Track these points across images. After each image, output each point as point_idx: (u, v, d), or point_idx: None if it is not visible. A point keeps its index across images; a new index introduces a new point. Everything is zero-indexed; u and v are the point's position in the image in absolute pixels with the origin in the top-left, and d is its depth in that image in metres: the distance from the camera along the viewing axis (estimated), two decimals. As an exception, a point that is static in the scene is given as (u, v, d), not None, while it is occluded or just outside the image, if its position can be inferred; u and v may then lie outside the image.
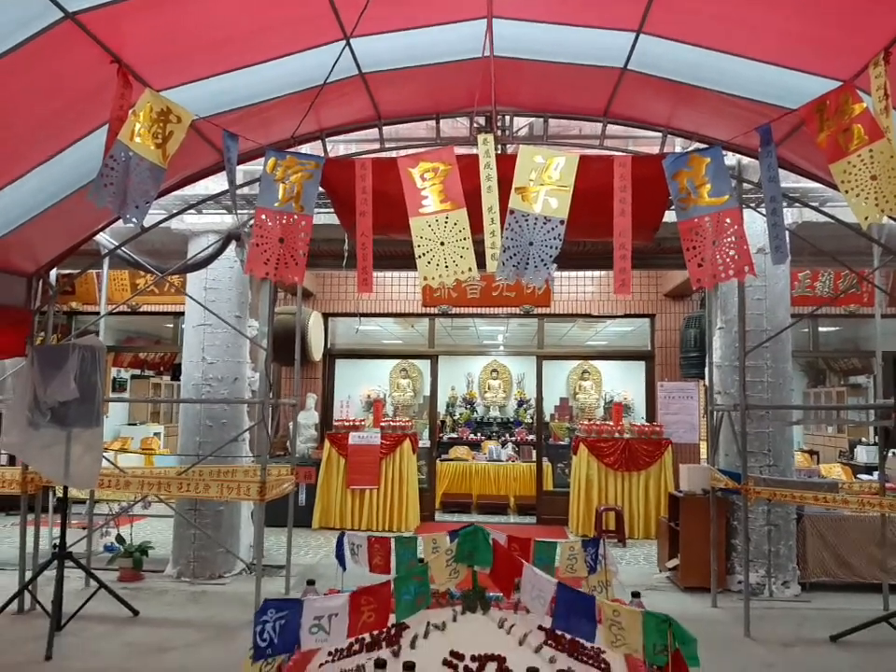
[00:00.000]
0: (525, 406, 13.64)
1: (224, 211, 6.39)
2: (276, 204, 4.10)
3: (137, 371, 13.37)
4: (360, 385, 12.64)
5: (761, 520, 6.26)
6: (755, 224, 6.35)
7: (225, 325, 6.43)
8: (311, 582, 2.39)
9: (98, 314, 6.86)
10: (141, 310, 9.69)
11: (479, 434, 12.82)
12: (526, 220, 3.93)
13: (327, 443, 8.89)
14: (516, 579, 2.21)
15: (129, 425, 13.16)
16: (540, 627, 2.23)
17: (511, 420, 13.61)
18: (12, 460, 8.14)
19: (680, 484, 6.91)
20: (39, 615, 5.41)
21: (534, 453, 10.97)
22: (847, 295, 9.15)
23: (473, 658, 1.99)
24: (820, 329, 10.29)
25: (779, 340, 6.43)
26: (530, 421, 12.94)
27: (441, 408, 13.32)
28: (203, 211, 6.40)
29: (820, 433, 13.52)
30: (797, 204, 6.14)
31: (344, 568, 2.65)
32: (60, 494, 5.53)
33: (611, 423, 9.10)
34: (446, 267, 3.94)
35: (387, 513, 8.65)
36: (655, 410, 9.59)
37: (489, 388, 14.23)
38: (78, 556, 5.60)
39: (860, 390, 12.95)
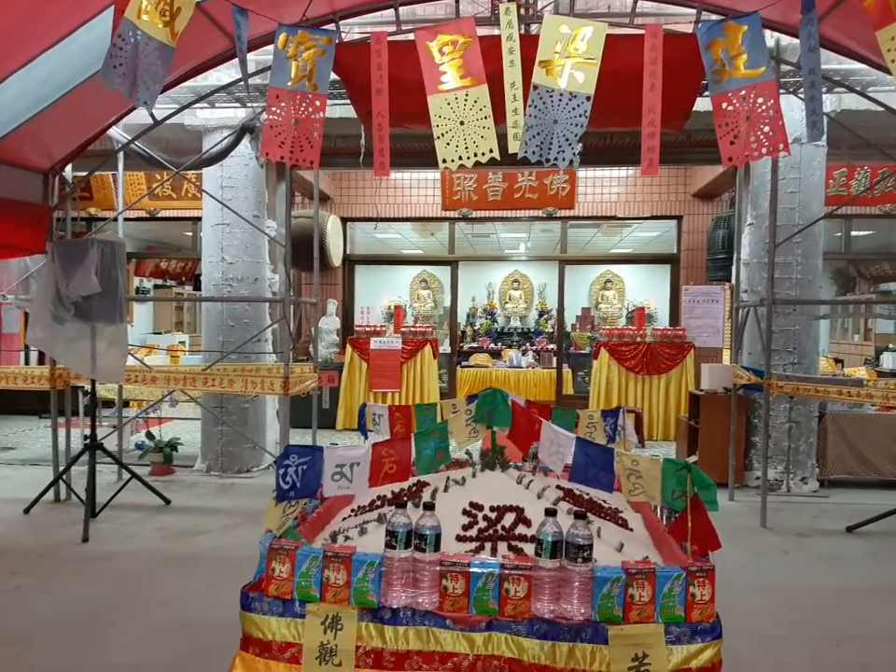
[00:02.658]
0: (545, 316, 13.56)
1: (238, 104, 6.21)
2: (289, 84, 3.94)
3: (159, 282, 13.43)
4: (380, 295, 12.61)
5: (782, 417, 6.25)
6: (792, 113, 6.05)
7: (243, 224, 6.37)
8: (334, 444, 2.41)
9: (117, 220, 6.82)
10: (159, 215, 9.62)
11: (499, 344, 12.84)
12: (551, 97, 3.74)
13: (349, 348, 8.94)
14: (534, 443, 2.20)
15: (154, 334, 13.37)
16: (559, 487, 2.23)
17: (532, 330, 13.56)
18: (42, 361, 8.33)
19: (701, 383, 6.88)
20: (74, 504, 5.64)
21: (554, 360, 10.99)
22: (883, 193, 8.81)
23: (492, 508, 2.00)
24: (853, 232, 9.98)
25: (811, 235, 6.24)
26: (551, 331, 12.89)
27: (462, 319, 13.30)
28: (217, 105, 6.22)
29: (846, 341, 13.36)
30: (837, 90, 5.81)
31: (366, 437, 2.66)
32: (88, 389, 5.62)
33: (634, 327, 9.02)
34: (466, 148, 3.79)
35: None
36: (679, 316, 9.49)
37: (510, 299, 14.12)
38: (113, 453, 5.78)
39: (889, 297, 12.68)
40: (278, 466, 1.74)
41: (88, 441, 5.40)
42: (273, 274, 7.12)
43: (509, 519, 1.97)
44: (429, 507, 1.68)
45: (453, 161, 3.83)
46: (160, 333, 13.58)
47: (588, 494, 2.31)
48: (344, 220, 9.67)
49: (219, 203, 6.04)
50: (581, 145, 3.80)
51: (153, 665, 3.12)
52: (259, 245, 6.76)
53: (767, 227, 6.28)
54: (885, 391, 5.19)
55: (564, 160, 3.81)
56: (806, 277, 6.28)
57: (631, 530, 2.08)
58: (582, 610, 1.62)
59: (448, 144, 3.82)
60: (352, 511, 2.23)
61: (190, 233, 10.78)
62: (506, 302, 14.00)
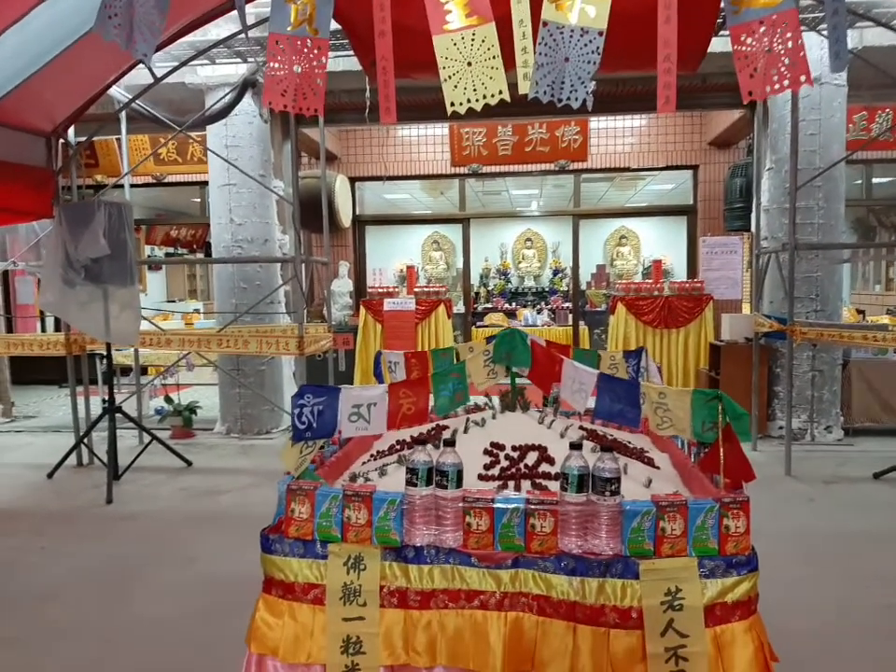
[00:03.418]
0: (560, 275, 13.40)
1: (238, 59, 6.07)
2: (289, 28, 3.76)
3: (170, 250, 13.39)
4: (392, 257, 12.49)
5: (805, 366, 6.14)
6: (811, 52, 5.81)
7: (250, 184, 6.29)
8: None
9: (123, 186, 6.75)
10: (166, 181, 9.53)
11: (514, 304, 12.72)
12: (561, 33, 3.56)
13: (362, 310, 8.87)
14: (555, 385, 2.14)
15: (168, 302, 13.38)
16: (582, 427, 2.18)
17: (546, 289, 13.41)
18: (58, 328, 8.35)
19: (722, 334, 6.78)
20: (97, 468, 5.68)
21: (570, 318, 10.89)
22: (906, 136, 8.53)
23: (514, 448, 1.95)
24: (874, 179, 9.71)
25: (832, 179, 6.06)
26: (566, 289, 12.74)
27: (475, 280, 13.17)
28: (217, 61, 6.09)
29: (867, 292, 13.13)
30: (859, 24, 5.57)
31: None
32: (104, 352, 5.62)
33: (650, 282, 8.88)
34: (474, 90, 3.62)
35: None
36: (696, 269, 9.34)
37: (523, 258, 13.95)
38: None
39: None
40: (293, 406, 1.69)
41: (106, 404, 5.41)
42: (283, 235, 7.05)
43: (531, 458, 1.92)
44: (450, 443, 1.63)
45: (461, 104, 3.68)
46: (173, 301, 13.59)
47: (612, 434, 2.26)
48: (353, 180, 9.52)
49: (225, 161, 5.94)
50: (594, 84, 3.65)
51: (179, 619, 3.13)
52: (267, 206, 6.67)
53: (787, 171, 6.10)
54: (911, 335, 5.07)
55: (577, 99, 3.64)
56: (829, 222, 6.11)
57: (658, 468, 2.02)
58: (611, 545, 1.57)
59: (456, 86, 3.66)
60: (371, 455, 2.18)
61: (198, 199, 10.70)
62: (519, 262, 13.84)
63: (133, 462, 5.52)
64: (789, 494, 4.75)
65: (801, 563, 3.57)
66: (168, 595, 3.39)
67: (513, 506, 1.58)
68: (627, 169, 9.19)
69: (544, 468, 1.87)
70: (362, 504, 1.62)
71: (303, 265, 6.07)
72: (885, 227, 13.18)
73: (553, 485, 1.78)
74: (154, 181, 9.64)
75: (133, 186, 9.78)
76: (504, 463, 1.89)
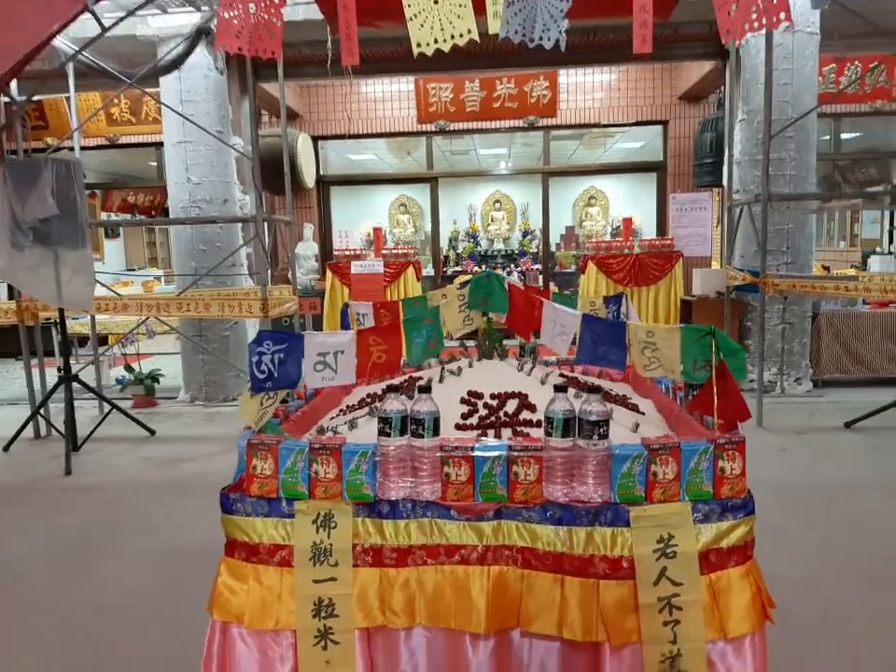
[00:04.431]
0: (529, 237, 13.27)
1: (192, 9, 5.74)
2: (244, -35, 3.55)
3: (128, 216, 12.95)
4: (358, 220, 12.21)
5: (775, 318, 6.13)
6: (784, -3, 5.68)
7: (207, 141, 6.01)
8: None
9: (73, 149, 6.40)
10: (120, 142, 9.13)
11: (483, 267, 12.57)
12: (533, -32, 3.39)
13: (329, 273, 8.66)
14: (532, 333, 2.02)
15: (128, 271, 12.97)
16: (562, 375, 2.06)
17: (516, 252, 13.29)
18: (10, 295, 8.00)
19: (693, 289, 6.74)
20: (55, 439, 5.46)
21: (540, 279, 10.80)
22: (874, 89, 8.51)
23: (493, 396, 1.83)
24: (842, 135, 9.70)
25: (804, 129, 6.00)
26: (535, 251, 12.63)
27: (444, 243, 12.98)
28: (169, 10, 5.76)
29: (832, 248, 13.26)
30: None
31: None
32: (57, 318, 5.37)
33: (621, 240, 8.80)
34: (441, 29, 3.45)
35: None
36: (666, 226, 9.27)
37: (492, 220, 13.76)
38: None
39: (875, 202, 12.50)
40: (251, 353, 1.54)
41: (62, 373, 5.18)
42: (244, 196, 6.79)
43: (511, 406, 1.80)
44: (425, 389, 1.50)
45: (428, 44, 3.50)
46: (133, 270, 13.18)
47: (593, 382, 2.15)
48: (316, 139, 9.22)
49: (180, 116, 5.65)
50: (567, 23, 3.48)
51: (143, 590, 3.00)
52: (225, 164, 6.40)
53: (759, 122, 6.03)
54: (882, 285, 5.05)
55: (549, 39, 3.48)
56: (800, 173, 6.06)
57: (643, 414, 1.92)
58: (600, 492, 1.47)
59: (422, 25, 3.47)
60: (340, 411, 2.05)
61: (155, 163, 10.29)
62: (488, 224, 13.65)
63: (92, 432, 5.32)
64: (761, 445, 4.75)
65: (778, 511, 3.55)
66: (132, 566, 3.25)
67: (495, 454, 1.46)
68: (597, 125, 9.04)
69: (525, 415, 1.75)
70: (330, 457, 1.49)
71: (265, 225, 5.85)
72: (849, 183, 13.26)
73: (536, 433, 1.67)
74: (108, 143, 9.22)
75: (85, 148, 9.34)
76: (482, 412, 1.77)
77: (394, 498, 1.50)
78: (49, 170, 4.72)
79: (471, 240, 13.50)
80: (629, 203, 11.77)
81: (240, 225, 6.65)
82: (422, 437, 1.47)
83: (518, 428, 1.69)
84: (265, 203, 8.37)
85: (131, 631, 2.67)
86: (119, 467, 4.82)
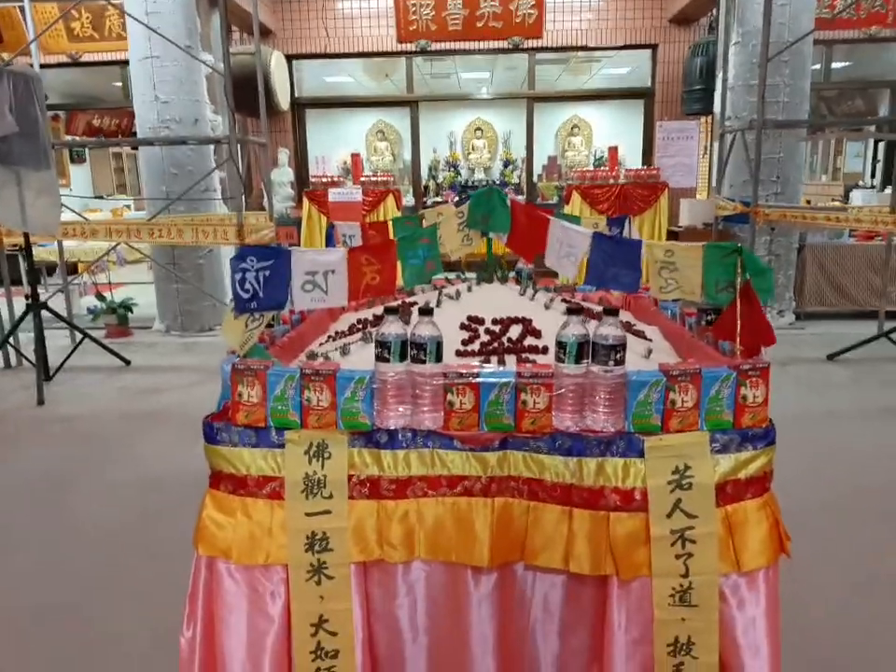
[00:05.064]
0: (511, 167, 12.95)
1: None
2: None
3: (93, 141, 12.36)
4: (334, 147, 11.81)
5: (762, 250, 6.06)
6: None
7: (175, 55, 5.66)
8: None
9: (32, 65, 5.97)
10: (83, 60, 8.59)
11: (464, 197, 12.26)
12: None
13: (305, 201, 8.37)
14: (537, 255, 1.89)
15: (95, 198, 12.48)
16: (565, 300, 1.95)
17: (497, 182, 13.00)
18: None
19: (680, 220, 6.62)
20: (26, 369, 5.28)
21: (522, 208, 10.58)
22: (869, 14, 8.24)
23: (495, 321, 1.71)
24: (833, 64, 9.46)
25: (799, 54, 5.80)
26: (517, 182, 12.36)
27: (423, 172, 12.65)
28: None
29: (814, 182, 13.15)
30: None
31: (336, 261, 2.32)
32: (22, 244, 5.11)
33: (606, 169, 8.60)
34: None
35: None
36: (652, 157, 9.07)
37: (473, 149, 13.37)
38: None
39: (859, 133, 12.36)
40: (233, 270, 1.39)
41: (30, 301, 4.96)
42: (216, 116, 6.45)
43: (515, 331, 1.68)
44: (427, 312, 1.38)
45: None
46: (101, 198, 12.68)
47: (597, 308, 2.04)
48: (290, 58, 8.77)
49: (146, 27, 5.27)
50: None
51: (122, 523, 2.91)
52: (195, 82, 6.04)
53: (755, 45, 5.82)
54: (872, 216, 4.98)
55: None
56: (794, 100, 5.89)
57: (650, 340, 1.82)
58: (613, 421, 1.38)
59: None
60: (329, 337, 1.92)
61: (120, 84, 9.76)
62: (469, 153, 13.27)
63: (64, 362, 5.15)
64: (747, 377, 4.73)
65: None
66: (110, 498, 3.16)
67: (503, 380, 1.35)
68: (584, 48, 8.70)
69: (530, 341, 1.64)
70: (324, 384, 1.37)
71: (239, 147, 5.57)
72: (835, 116, 13.07)
73: (541, 360, 1.57)
74: (70, 61, 8.68)
75: (45, 66, 8.80)
76: (484, 338, 1.66)
77: (393, 427, 1.39)
78: (5, 83, 4.40)
79: (452, 169, 13.15)
80: (614, 132, 11.48)
81: (212, 147, 6.34)
82: (423, 363, 1.36)
83: (523, 355, 1.58)
84: (238, 125, 8.00)
85: (110, 565, 2.59)
86: (94, 397, 4.68)
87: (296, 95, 9.17)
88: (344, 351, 1.63)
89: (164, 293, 6.32)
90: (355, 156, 9.01)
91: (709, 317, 1.68)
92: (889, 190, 9.43)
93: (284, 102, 8.48)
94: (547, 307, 1.80)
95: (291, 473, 1.41)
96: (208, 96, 6.30)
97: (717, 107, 6.29)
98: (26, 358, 5.23)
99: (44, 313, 4.94)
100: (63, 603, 2.37)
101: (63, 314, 5.80)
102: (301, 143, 9.53)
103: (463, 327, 1.71)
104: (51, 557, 2.67)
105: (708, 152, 8.70)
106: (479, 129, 13.16)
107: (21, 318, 5.09)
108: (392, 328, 1.37)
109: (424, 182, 12.22)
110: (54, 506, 3.09)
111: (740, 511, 1.41)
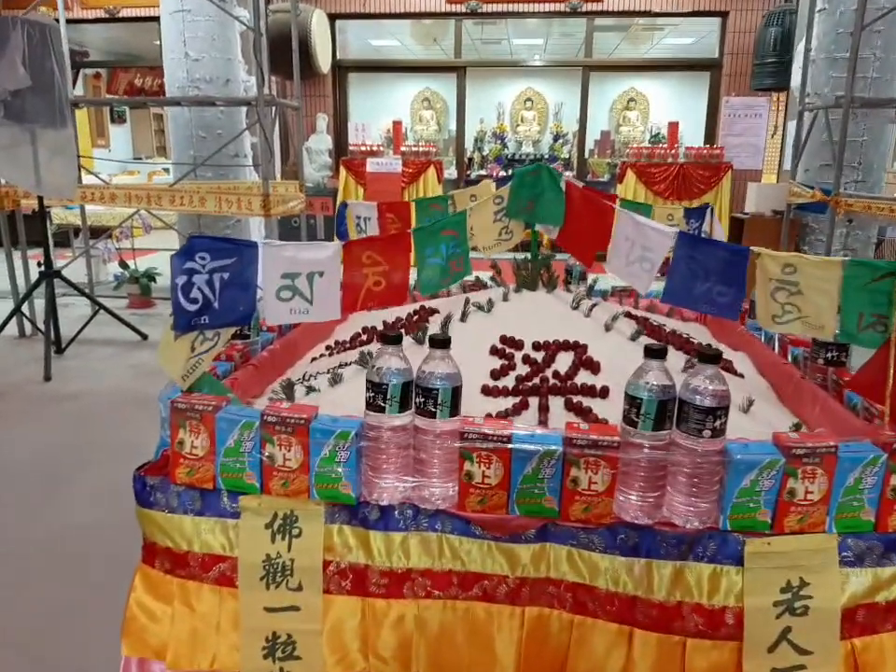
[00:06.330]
0: (561, 141, 12.32)
1: None
2: None
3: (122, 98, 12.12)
4: (377, 114, 11.33)
5: (837, 244, 5.45)
6: None
7: (208, 10, 5.26)
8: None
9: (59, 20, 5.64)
10: (120, 15, 8.28)
11: (510, 171, 11.71)
12: None
13: (342, 170, 7.98)
14: (594, 257, 1.46)
15: (134, 160, 12.29)
16: (630, 315, 1.51)
17: (546, 156, 12.40)
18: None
19: (746, 206, 6.04)
20: (40, 340, 5.03)
21: (572, 186, 10.03)
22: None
23: (537, 346, 1.29)
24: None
25: (894, 24, 5.13)
26: (567, 156, 11.74)
27: (469, 144, 12.12)
28: None
29: (890, 170, 12.22)
30: None
31: (347, 248, 1.93)
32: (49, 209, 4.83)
33: (665, 146, 8.00)
34: None
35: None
36: (715, 134, 8.42)
37: (522, 120, 12.75)
38: (83, 286, 5.10)
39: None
40: (174, 272, 1.00)
41: (42, 268, 4.69)
42: (249, 77, 6.05)
43: (563, 362, 1.26)
44: (441, 343, 0.97)
45: None
46: (140, 159, 12.49)
47: (665, 325, 1.60)
48: (333, 17, 8.31)
49: (174, -24, 4.88)
50: None
51: (122, 519, 2.58)
52: (228, 39, 5.64)
53: (842, 12, 5.19)
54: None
55: None
56: (884, 76, 5.23)
57: (740, 376, 1.38)
58: (702, 514, 0.96)
59: None
60: (327, 348, 1.53)
61: (159, 42, 9.42)
62: (517, 125, 12.66)
63: (78, 334, 4.88)
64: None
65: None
66: (107, 493, 2.82)
67: (545, 448, 0.94)
68: (647, 13, 8.03)
69: (584, 377, 1.22)
70: (292, 437, 0.98)
71: (272, 111, 5.17)
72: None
73: (601, 406, 1.15)
74: (107, 16, 8.37)
75: (80, 21, 8.52)
76: (522, 369, 1.24)
77: (387, 502, 1.00)
78: (18, 33, 4.07)
79: (498, 141, 12.57)
80: (673, 107, 10.76)
81: (244, 110, 5.96)
82: (433, 415, 0.95)
83: (575, 399, 1.16)
84: (276, 89, 7.61)
85: (106, 564, 2.26)
86: (105, 374, 4.39)
87: (338, 58, 8.72)
88: (335, 379, 1.23)
89: (189, 263, 6.01)
90: (396, 124, 8.57)
91: (830, 354, 1.23)
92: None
93: (325, 64, 8.04)
94: (607, 328, 1.37)
95: (248, 553, 1.03)
96: (242, 55, 5.91)
97: (795, 82, 5.67)
98: (39, 329, 4.98)
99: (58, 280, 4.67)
100: (53, 602, 2.06)
101: (86, 280, 5.54)
102: (341, 109, 9.10)
103: (494, 351, 1.29)
104: (39, 553, 2.37)
105: (779, 132, 8.01)
106: (529, 99, 12.52)
107: (34, 287, 4.82)
108: (391, 361, 0.97)
109: (468, 154, 11.70)
110: (46, 496, 2.79)
111: (874, 648, 0.98)
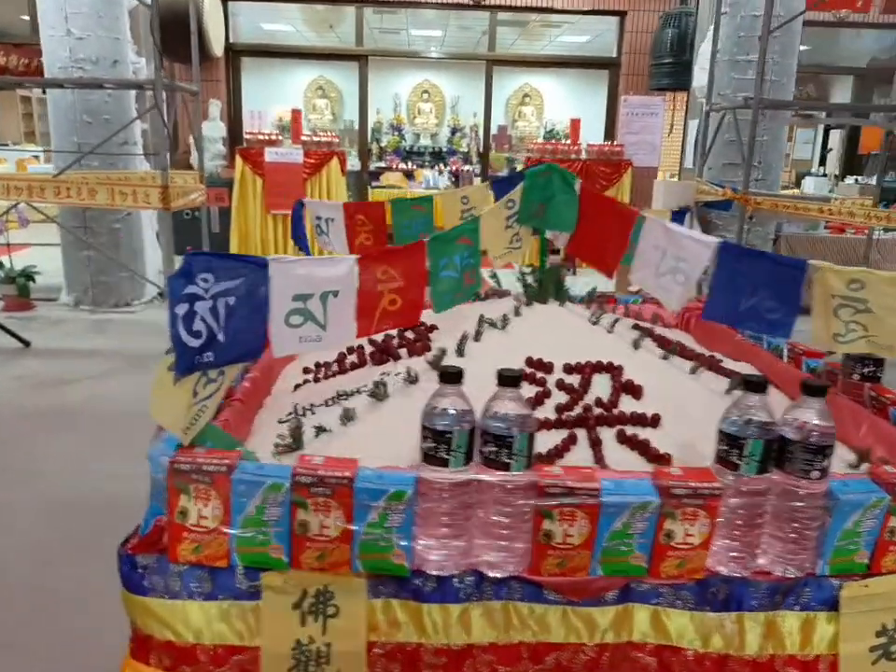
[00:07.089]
0: (459, 134, 12.29)
1: None
2: None
3: (-4, 80, 10.98)
4: (270, 103, 10.84)
5: (736, 240, 5.70)
6: None
7: (90, -19, 4.75)
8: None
9: None
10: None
11: (409, 164, 11.56)
12: None
13: (239, 160, 7.51)
14: (615, 268, 1.34)
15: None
16: (652, 334, 1.39)
17: (445, 150, 12.33)
18: None
19: (654, 203, 6.18)
20: None
21: (476, 182, 10.00)
22: (841, -4, 7.97)
23: (569, 369, 1.16)
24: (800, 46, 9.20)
25: (790, 31, 5.41)
26: (465, 150, 11.72)
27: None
28: None
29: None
30: None
31: (307, 251, 1.72)
32: None
33: (568, 143, 8.11)
34: None
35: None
36: (614, 132, 8.63)
37: (419, 112, 12.59)
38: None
39: (810, 121, 12.30)
40: (174, 298, 0.79)
41: None
42: (138, 58, 5.57)
43: (601, 387, 1.13)
44: (511, 381, 0.81)
45: None
46: (6, 146, 11.33)
47: (703, 347, 1.50)
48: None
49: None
50: None
51: (14, 559, 2.23)
52: (116, 17, 5.15)
53: (743, 17, 5.41)
54: (866, 210, 4.67)
55: None
56: (781, 80, 5.51)
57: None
58: (801, 561, 0.86)
59: None
60: (305, 371, 1.33)
61: (28, 17, 8.53)
62: (414, 117, 12.53)
63: (-54, 343, 4.31)
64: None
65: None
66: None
67: (640, 500, 0.81)
68: (550, 9, 8.09)
69: (627, 403, 1.10)
70: (331, 500, 0.80)
71: (165, 96, 4.75)
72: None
73: (654, 437, 1.03)
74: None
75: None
76: (558, 396, 1.10)
77: (446, 573, 0.84)
78: None
79: (396, 133, 12.38)
80: (570, 104, 10.97)
81: (133, 94, 5.47)
82: (506, 467, 0.80)
83: (628, 431, 1.03)
84: (165, 70, 7.07)
85: None
86: (-17, 389, 3.89)
87: (230, 41, 8.23)
88: (347, 417, 1.05)
89: (73, 261, 5.45)
90: (295, 112, 8.18)
91: (868, 370, 1.18)
92: (849, 181, 9.35)
93: (217, 47, 7.56)
94: (636, 346, 1.26)
95: (273, 641, 0.84)
96: (131, 35, 5.41)
97: (697, 83, 5.85)
98: None
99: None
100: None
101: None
102: (234, 95, 8.61)
103: (524, 377, 1.14)
104: None
105: (675, 131, 8.31)
106: (426, 91, 12.39)
107: None
108: (453, 400, 0.81)
109: (367, 145, 11.44)
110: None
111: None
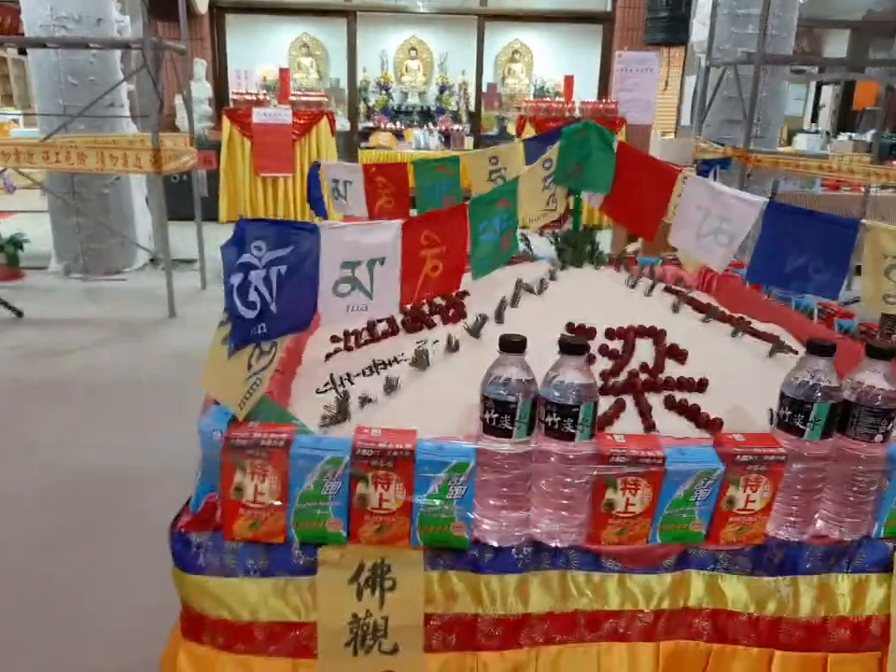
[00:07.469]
0: (448, 92, 12.06)
1: None
2: None
3: (-32, 39, 10.60)
4: (255, 62, 10.55)
5: (736, 198, 5.67)
6: None
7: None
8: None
9: None
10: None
11: (398, 123, 11.36)
12: None
13: (226, 122, 7.35)
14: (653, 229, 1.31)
15: (-28, 109, 10.81)
16: (692, 302, 1.36)
17: (433, 108, 12.11)
18: None
19: (650, 161, 6.14)
20: None
21: (467, 141, 9.86)
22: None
23: (611, 333, 1.14)
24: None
25: (791, -18, 5.30)
26: (455, 109, 11.52)
27: (352, 93, 11.60)
28: None
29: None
30: None
31: (324, 216, 1.68)
32: None
33: (562, 100, 7.98)
34: None
35: (306, 205, 7.54)
36: (608, 89, 8.50)
37: (406, 70, 12.32)
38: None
39: (802, 77, 12.18)
40: (229, 268, 0.75)
41: None
42: (123, 16, 5.38)
43: (644, 351, 1.12)
44: (576, 349, 0.79)
45: None
46: (-20, 108, 11.02)
47: (726, 309, 1.48)
48: (208, -48, 7.56)
49: None
50: None
51: (8, 539, 2.22)
52: (97, -30, 4.95)
53: (744, -33, 5.29)
54: (865, 167, 4.64)
55: None
56: (781, 34, 5.41)
57: (795, 353, 1.30)
58: (858, 524, 0.86)
59: None
60: (334, 339, 1.30)
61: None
62: (402, 75, 12.26)
63: (-63, 313, 4.23)
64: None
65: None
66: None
67: (705, 467, 0.80)
68: (543, -38, 7.87)
69: (672, 369, 1.08)
70: (392, 473, 0.78)
71: (153, 54, 4.60)
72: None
73: (700, 401, 1.02)
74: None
75: None
76: (601, 361, 1.09)
77: (507, 544, 0.82)
78: None
79: (384, 91, 12.13)
80: (561, 61, 10.77)
81: (118, 55, 5.30)
82: (571, 437, 0.78)
83: (678, 397, 1.02)
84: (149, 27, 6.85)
85: None
86: (-23, 360, 3.83)
87: (214, -3, 7.99)
88: (390, 385, 1.03)
89: (62, 227, 5.34)
90: (283, 71, 8.00)
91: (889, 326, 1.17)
92: (843, 137, 9.29)
93: (202, 4, 7.33)
94: (675, 309, 1.24)
95: (329, 615, 0.83)
96: (113, -9, 5.22)
97: (696, 37, 5.75)
98: None
99: None
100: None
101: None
102: (220, 54, 8.39)
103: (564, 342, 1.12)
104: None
105: (669, 87, 8.19)
106: (413, 48, 12.09)
107: None
108: (512, 370, 0.78)
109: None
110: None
111: None
